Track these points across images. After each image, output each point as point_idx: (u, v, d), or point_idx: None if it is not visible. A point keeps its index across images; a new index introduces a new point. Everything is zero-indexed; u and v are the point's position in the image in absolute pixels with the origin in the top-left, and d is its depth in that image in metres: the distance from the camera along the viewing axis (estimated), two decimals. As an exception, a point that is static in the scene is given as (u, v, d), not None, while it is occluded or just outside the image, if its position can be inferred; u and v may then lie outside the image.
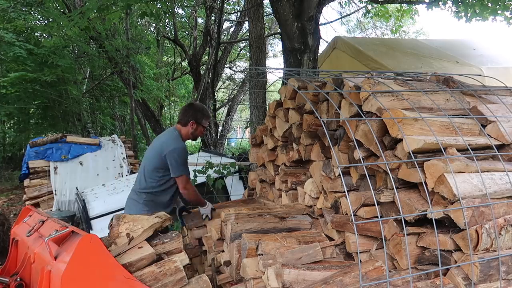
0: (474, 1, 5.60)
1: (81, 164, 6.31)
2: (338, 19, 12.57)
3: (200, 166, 4.60)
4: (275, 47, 16.58)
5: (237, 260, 2.31)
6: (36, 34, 9.70)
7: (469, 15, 5.92)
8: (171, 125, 14.78)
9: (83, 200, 4.84)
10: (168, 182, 2.93)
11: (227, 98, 15.64)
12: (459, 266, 1.78)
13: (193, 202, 3.02)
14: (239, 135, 22.61)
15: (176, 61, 14.30)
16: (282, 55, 4.87)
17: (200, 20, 12.18)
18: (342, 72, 2.78)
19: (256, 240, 2.26)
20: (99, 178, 6.13)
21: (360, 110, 2.14)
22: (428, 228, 1.93)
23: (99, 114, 11.74)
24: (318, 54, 4.83)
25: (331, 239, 2.42)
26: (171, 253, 1.95)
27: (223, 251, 2.64)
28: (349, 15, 11.82)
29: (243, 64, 16.09)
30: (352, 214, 1.80)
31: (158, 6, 4.83)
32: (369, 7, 8.89)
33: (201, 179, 4.48)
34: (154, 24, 12.13)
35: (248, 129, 8.13)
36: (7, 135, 12.17)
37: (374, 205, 2.08)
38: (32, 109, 10.77)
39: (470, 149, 1.88)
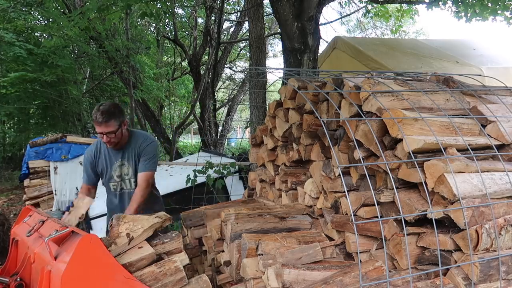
0: (474, 1, 5.60)
1: (81, 164, 6.30)
2: (338, 19, 12.59)
3: (200, 166, 4.60)
4: (275, 47, 16.60)
5: (237, 260, 2.31)
6: (36, 34, 9.70)
7: (469, 15, 5.92)
8: (171, 125, 14.83)
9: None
10: (107, 191, 2.91)
11: (227, 98, 15.65)
12: (459, 266, 1.78)
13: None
14: (239, 135, 22.62)
15: (176, 61, 14.30)
16: (282, 55, 4.87)
17: (200, 20, 12.18)
18: (342, 72, 2.78)
19: (256, 240, 2.26)
20: (99, 178, 6.12)
21: (360, 110, 2.14)
22: (428, 228, 1.93)
23: (99, 114, 11.71)
24: (318, 54, 4.83)
25: (331, 239, 2.42)
26: (171, 253, 1.95)
27: (223, 251, 2.64)
28: (349, 15, 11.83)
29: (243, 64, 16.10)
30: (352, 214, 1.80)
31: (158, 6, 4.83)
32: (369, 7, 8.90)
33: (201, 179, 4.48)
34: (154, 24, 12.13)
35: (248, 129, 8.13)
36: (7, 135, 12.17)
37: (374, 205, 2.08)
38: (32, 109, 10.77)
39: (470, 149, 1.88)
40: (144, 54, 11.69)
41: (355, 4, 10.81)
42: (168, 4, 5.56)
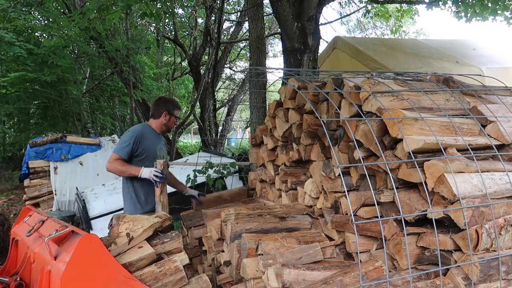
0: (474, 1, 5.60)
1: (81, 164, 6.31)
2: (338, 19, 12.59)
3: (200, 166, 4.60)
4: (275, 47, 16.61)
5: (237, 260, 2.31)
6: (36, 34, 9.70)
7: (469, 15, 5.92)
8: (171, 125, 14.80)
9: (83, 200, 4.84)
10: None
11: (227, 98, 15.65)
12: (459, 266, 1.78)
13: (122, 173, 2.98)
14: (239, 135, 22.62)
15: (176, 61, 14.31)
16: (282, 55, 4.87)
17: (200, 20, 12.19)
18: (342, 72, 2.78)
19: (256, 240, 2.26)
20: (99, 178, 6.12)
21: (360, 110, 2.14)
22: (428, 228, 1.93)
23: (99, 114, 11.74)
24: (318, 54, 4.83)
25: (331, 239, 2.42)
26: (171, 253, 1.95)
27: (223, 251, 2.64)
28: (349, 15, 11.83)
29: (243, 64, 16.11)
30: (352, 214, 1.80)
31: (158, 6, 4.83)
32: (369, 7, 8.90)
33: (201, 179, 4.48)
34: (154, 24, 12.13)
35: (248, 129, 8.13)
36: (7, 135, 12.17)
37: (374, 205, 2.08)
38: (32, 109, 10.78)
39: (470, 149, 1.88)
40: (144, 54, 11.69)
41: (355, 4, 10.82)
42: (168, 4, 5.56)
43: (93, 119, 11.33)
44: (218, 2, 9.85)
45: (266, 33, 8.66)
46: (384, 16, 9.70)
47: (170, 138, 10.24)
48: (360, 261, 1.90)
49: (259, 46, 5.96)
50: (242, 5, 12.01)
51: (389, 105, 2.11)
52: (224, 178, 4.62)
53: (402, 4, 8.66)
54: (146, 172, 2.88)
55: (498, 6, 5.41)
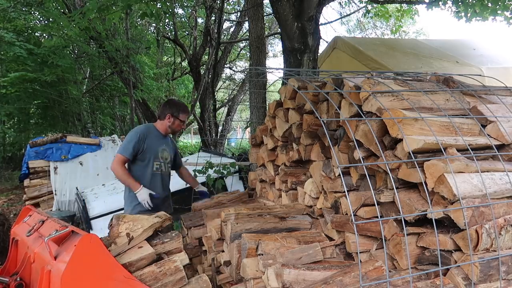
0: (474, 1, 5.60)
1: (81, 164, 6.31)
2: (338, 19, 12.59)
3: (200, 166, 4.60)
4: (275, 47, 16.61)
5: (237, 260, 2.31)
6: (36, 34, 9.70)
7: (469, 15, 5.92)
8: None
9: (83, 200, 4.84)
10: (137, 169, 3.10)
11: (227, 98, 15.65)
12: (459, 266, 1.78)
13: (122, 181, 3.03)
14: (239, 135, 22.62)
15: (176, 61, 14.31)
16: (282, 55, 4.87)
17: (200, 20, 12.19)
18: (342, 72, 2.78)
19: (256, 240, 2.26)
20: (99, 178, 6.13)
21: (360, 110, 2.14)
22: (428, 228, 1.93)
23: (99, 114, 11.74)
24: (318, 54, 4.83)
25: (331, 239, 2.42)
26: (171, 253, 1.95)
27: (223, 251, 2.64)
28: (349, 15, 11.83)
29: (243, 64, 16.11)
30: (352, 214, 1.80)
31: (158, 6, 4.83)
32: (369, 7, 8.90)
33: (201, 179, 4.48)
34: (154, 24, 12.13)
35: (248, 129, 8.13)
36: (7, 135, 12.17)
37: (374, 205, 2.08)
38: (32, 109, 10.78)
39: (470, 149, 1.88)
40: (144, 54, 11.69)
41: (355, 4, 10.82)
42: (168, 4, 5.56)
43: (93, 119, 11.34)
44: (218, 2, 9.85)
45: (266, 33, 8.66)
46: (384, 16, 9.70)
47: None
48: (360, 261, 1.90)
49: (259, 46, 5.96)
50: (242, 5, 12.01)
51: (389, 105, 2.11)
52: (224, 178, 4.62)
53: (402, 4, 8.66)
54: (142, 195, 2.94)
55: (498, 6, 5.41)
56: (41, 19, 9.79)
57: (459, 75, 2.79)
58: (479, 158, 2.01)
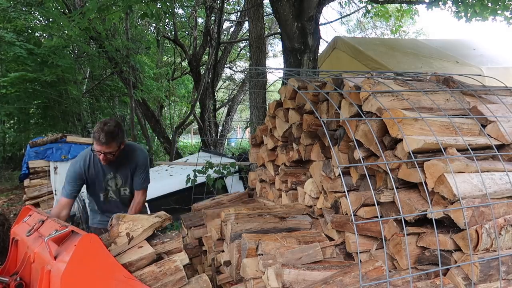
0: (474, 1, 5.60)
1: (81, 164, 6.30)
2: (338, 19, 12.58)
3: (200, 166, 4.60)
4: (275, 47, 16.60)
5: (237, 260, 2.31)
6: (36, 34, 9.70)
7: (469, 15, 5.92)
8: (171, 125, 14.83)
9: (83, 200, 4.84)
10: (93, 196, 2.88)
11: (227, 98, 15.64)
12: (459, 266, 1.78)
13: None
14: (239, 135, 22.61)
15: (176, 61, 14.30)
16: (282, 55, 4.87)
17: (200, 20, 12.18)
18: (342, 72, 2.78)
19: (256, 240, 2.26)
20: (99, 178, 6.12)
21: (360, 110, 2.14)
22: (428, 228, 1.93)
23: (99, 114, 11.74)
24: (318, 54, 4.83)
25: (331, 239, 2.42)
26: (171, 253, 1.95)
27: (223, 251, 2.64)
28: (349, 15, 11.83)
29: (243, 64, 16.10)
30: (352, 214, 1.80)
31: (158, 6, 4.83)
32: (369, 7, 8.90)
33: (201, 179, 4.48)
34: (154, 24, 12.13)
35: (248, 129, 8.13)
36: (7, 135, 12.17)
37: (374, 205, 2.08)
38: (32, 109, 10.77)
39: (470, 149, 1.88)
40: (144, 54, 11.69)
41: (355, 4, 10.82)
42: (168, 4, 5.56)
43: (93, 119, 11.33)
44: (218, 2, 9.85)
45: (266, 33, 8.66)
46: (384, 16, 9.70)
47: (170, 138, 10.24)
48: (360, 261, 1.90)
49: (259, 46, 5.95)
50: (242, 5, 12.01)
51: (389, 105, 2.11)
52: (224, 178, 4.62)
53: (402, 4, 8.66)
54: None
55: (498, 6, 5.41)
56: (41, 19, 9.78)
57: (459, 75, 2.79)
58: (479, 158, 2.01)
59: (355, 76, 2.55)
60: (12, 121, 11.51)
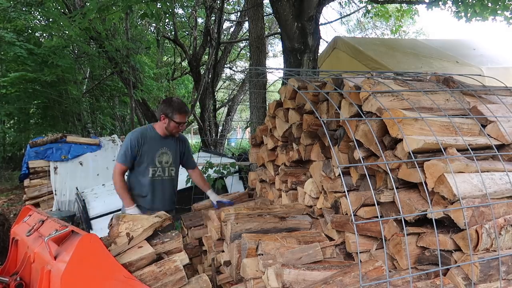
0: (474, 1, 5.60)
1: (81, 164, 6.31)
2: (338, 19, 12.58)
3: (200, 166, 4.59)
4: (275, 47, 16.61)
5: (237, 260, 2.31)
6: (36, 34, 9.70)
7: (469, 15, 5.92)
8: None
9: (83, 200, 4.84)
10: (135, 177, 2.99)
11: (227, 98, 15.64)
12: (459, 266, 1.78)
13: (118, 193, 2.92)
14: (239, 135, 22.61)
15: (176, 61, 14.30)
16: (282, 55, 4.87)
17: (200, 20, 12.18)
18: (342, 72, 2.78)
19: (256, 240, 2.26)
20: (99, 178, 6.12)
21: (360, 110, 2.14)
22: (428, 228, 1.93)
23: (99, 114, 11.74)
24: (318, 54, 4.83)
25: (331, 239, 2.42)
26: (171, 253, 1.95)
27: (223, 251, 2.64)
28: (349, 15, 11.83)
29: (243, 64, 16.11)
30: (352, 214, 1.80)
31: (158, 6, 4.83)
32: (369, 7, 8.90)
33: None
34: (154, 24, 12.13)
35: (248, 129, 8.13)
36: (7, 135, 12.17)
37: (374, 205, 2.08)
38: (32, 109, 10.78)
39: (470, 149, 1.88)
40: (144, 54, 11.69)
41: (355, 4, 10.82)
42: (168, 4, 5.56)
43: (93, 119, 11.34)
44: (218, 2, 9.85)
45: (266, 33, 8.66)
46: (384, 16, 9.70)
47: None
48: (360, 261, 1.90)
49: (259, 46, 5.96)
50: (242, 5, 12.01)
51: (389, 105, 2.11)
52: (224, 178, 4.62)
53: (402, 4, 8.66)
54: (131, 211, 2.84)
55: (498, 6, 5.41)
56: (41, 19, 9.78)
57: (459, 75, 2.79)
58: (479, 158, 2.01)
59: (355, 76, 2.55)
60: (12, 121, 11.51)
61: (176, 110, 2.88)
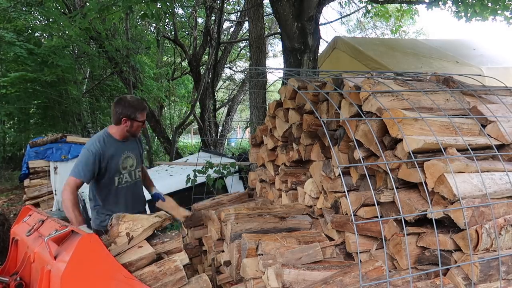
0: (474, 1, 5.60)
1: (81, 164, 6.30)
2: (338, 19, 12.59)
3: (200, 166, 4.59)
4: (275, 47, 16.60)
5: (237, 260, 2.31)
6: (36, 34, 9.71)
7: (469, 15, 5.92)
8: (171, 125, 14.83)
9: (83, 200, 4.84)
10: (105, 187, 2.72)
11: (227, 98, 15.64)
12: (459, 266, 1.78)
13: (66, 212, 2.52)
14: (239, 135, 22.60)
15: (176, 61, 14.30)
16: (282, 55, 4.87)
17: (200, 20, 12.18)
18: (342, 72, 2.78)
19: (256, 240, 2.26)
20: (99, 178, 6.12)
21: (360, 110, 2.14)
22: (428, 228, 1.93)
23: (99, 114, 11.74)
24: (318, 54, 4.83)
25: (331, 239, 2.42)
26: (171, 253, 1.95)
27: (223, 251, 2.64)
28: (349, 15, 11.83)
29: (243, 64, 16.10)
30: (352, 214, 1.80)
31: (158, 6, 4.83)
32: (369, 7, 8.90)
33: (201, 179, 4.48)
34: (154, 24, 12.12)
35: (248, 129, 8.13)
36: (7, 135, 12.17)
37: (374, 205, 2.08)
38: (32, 109, 10.78)
39: (470, 149, 1.88)
40: (144, 54, 11.69)
41: (355, 4, 10.82)
42: (168, 4, 5.56)
43: (93, 119, 11.34)
44: (218, 2, 9.85)
45: (266, 33, 8.66)
46: (384, 16, 9.70)
47: (170, 138, 10.24)
48: (360, 261, 1.90)
49: (259, 46, 5.95)
50: (242, 5, 12.01)
51: (389, 105, 2.11)
52: (224, 178, 4.61)
53: (402, 4, 8.65)
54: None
55: (498, 6, 5.41)
56: (41, 19, 9.79)
57: (459, 75, 2.79)
58: (479, 158, 2.01)
59: (355, 76, 2.55)
60: (12, 121, 11.51)
61: (138, 109, 2.65)
